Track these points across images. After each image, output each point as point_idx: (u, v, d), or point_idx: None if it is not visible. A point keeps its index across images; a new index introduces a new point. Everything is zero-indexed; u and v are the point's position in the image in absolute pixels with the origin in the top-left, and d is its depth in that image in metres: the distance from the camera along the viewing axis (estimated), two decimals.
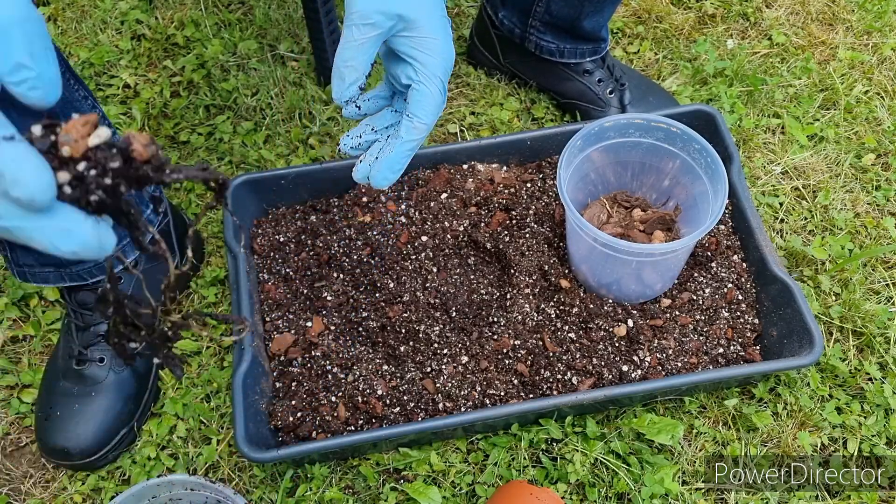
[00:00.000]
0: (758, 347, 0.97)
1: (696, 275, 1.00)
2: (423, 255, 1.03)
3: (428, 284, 1.00)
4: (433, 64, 0.67)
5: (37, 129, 0.38)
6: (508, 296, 0.98)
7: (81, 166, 0.38)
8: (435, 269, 1.02)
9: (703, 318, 0.97)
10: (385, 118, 0.75)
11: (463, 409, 0.91)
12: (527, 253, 1.00)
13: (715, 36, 1.33)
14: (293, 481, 0.94)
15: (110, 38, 1.34)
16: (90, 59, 1.31)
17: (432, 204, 1.06)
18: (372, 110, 0.75)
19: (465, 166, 1.10)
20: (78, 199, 0.38)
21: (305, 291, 1.01)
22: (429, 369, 0.94)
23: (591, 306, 0.97)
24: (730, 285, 0.99)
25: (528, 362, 0.94)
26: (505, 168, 1.11)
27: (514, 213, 1.05)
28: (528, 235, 1.02)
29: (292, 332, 0.98)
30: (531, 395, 0.93)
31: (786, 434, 0.95)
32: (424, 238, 1.04)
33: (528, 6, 1.14)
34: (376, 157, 0.72)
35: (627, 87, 1.20)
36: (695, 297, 0.98)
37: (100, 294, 0.44)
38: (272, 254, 1.04)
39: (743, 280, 1.00)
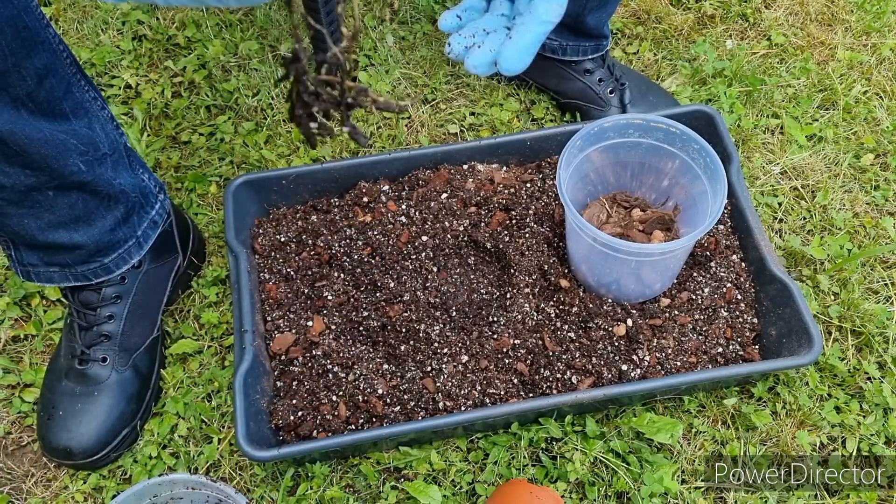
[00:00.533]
0: (757, 347, 0.97)
1: (695, 274, 1.00)
2: (423, 254, 1.03)
3: (428, 284, 1.01)
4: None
5: None
6: (508, 295, 0.98)
7: None
8: (435, 269, 1.02)
9: (702, 317, 0.98)
10: (494, 21, 0.70)
11: (463, 409, 0.91)
12: (526, 253, 1.01)
13: (714, 36, 1.34)
14: (294, 480, 0.95)
15: (112, 38, 1.35)
16: (92, 59, 1.31)
17: (432, 204, 1.06)
18: (470, 20, 0.71)
19: (465, 166, 1.11)
20: None
21: (306, 291, 1.02)
22: (429, 368, 0.94)
23: (591, 306, 0.97)
24: (729, 285, 0.99)
25: (528, 361, 0.95)
26: (505, 168, 1.11)
27: (513, 213, 1.05)
28: (527, 235, 1.02)
29: (293, 331, 0.98)
30: (531, 395, 0.93)
31: (785, 433, 0.95)
32: (424, 238, 1.04)
33: None
34: (508, 38, 0.67)
35: (628, 87, 1.20)
36: (694, 297, 0.99)
37: (292, 55, 0.41)
38: (273, 253, 1.05)
39: (742, 280, 1.00)
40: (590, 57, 1.19)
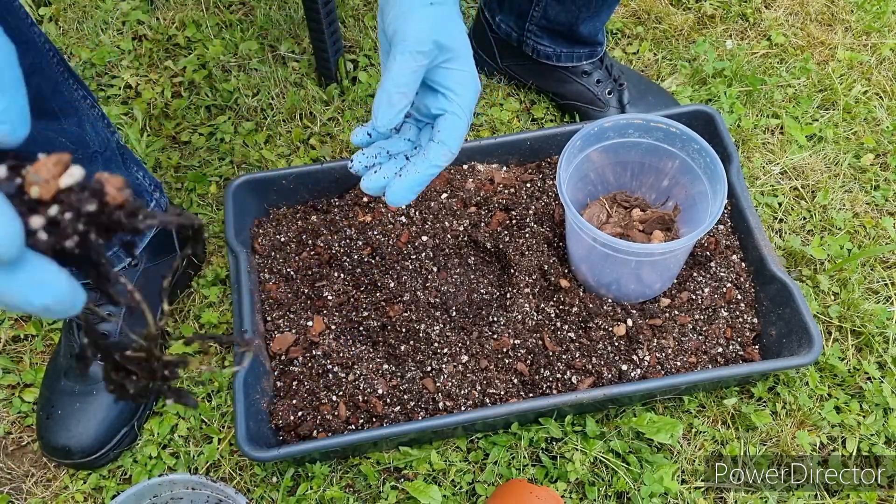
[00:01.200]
0: (757, 347, 0.97)
1: (695, 274, 1.00)
2: (423, 254, 1.03)
3: (428, 284, 1.01)
4: (467, 96, 0.68)
5: (1, 171, 0.34)
6: (508, 295, 0.98)
7: (53, 210, 0.33)
8: (435, 269, 1.02)
9: (702, 317, 0.98)
10: (399, 145, 0.73)
11: (463, 409, 0.91)
12: (527, 253, 1.01)
13: (714, 36, 1.34)
14: (294, 480, 0.95)
15: (112, 38, 1.35)
16: (91, 59, 1.31)
17: (432, 204, 1.06)
18: (380, 138, 0.74)
19: (465, 166, 1.11)
20: (51, 247, 0.33)
21: (306, 291, 1.02)
22: (429, 368, 0.94)
23: (591, 306, 0.97)
24: (729, 285, 0.99)
25: (528, 361, 0.95)
26: (505, 168, 1.11)
27: (513, 213, 1.05)
28: (527, 235, 1.02)
29: (293, 331, 0.98)
30: (531, 395, 0.93)
31: (785, 433, 0.95)
32: (425, 238, 1.04)
33: (524, 11, 1.15)
34: (398, 175, 0.70)
35: (626, 88, 1.20)
36: (694, 297, 0.99)
37: (79, 350, 0.40)
38: (273, 253, 1.05)
39: (742, 280, 1.00)
40: (585, 62, 1.19)
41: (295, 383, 0.95)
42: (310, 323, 0.99)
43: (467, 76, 0.68)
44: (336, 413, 0.92)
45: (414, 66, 0.64)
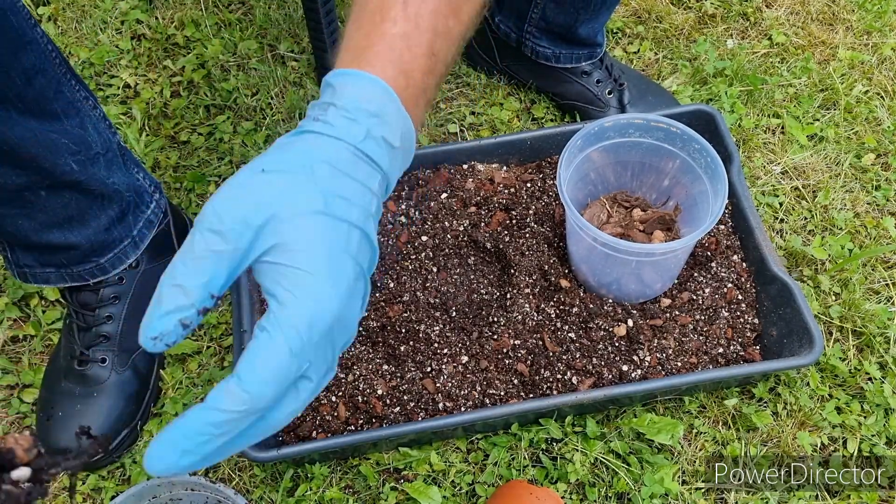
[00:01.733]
0: (757, 347, 0.97)
1: (695, 274, 1.00)
2: (423, 254, 1.03)
3: (428, 284, 1.01)
4: (293, 307, 0.44)
5: None
6: (508, 295, 0.98)
7: None
8: (435, 269, 1.02)
9: (702, 317, 0.97)
10: None
11: (463, 409, 0.91)
12: (527, 253, 1.00)
13: (715, 36, 1.34)
14: (293, 481, 0.95)
15: (110, 37, 1.34)
16: (90, 58, 1.31)
17: (432, 204, 1.06)
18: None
19: (465, 166, 1.10)
20: None
21: None
22: (429, 369, 0.94)
23: (591, 306, 0.97)
24: (729, 285, 0.99)
25: (528, 362, 0.94)
26: (505, 168, 1.11)
27: (514, 212, 1.05)
28: (528, 235, 1.02)
29: None
30: (531, 395, 0.93)
31: (785, 434, 0.95)
32: (424, 238, 1.04)
33: (523, 12, 1.14)
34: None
35: (626, 87, 1.20)
36: (695, 297, 0.98)
37: None
38: None
39: (743, 280, 1.00)
40: (584, 63, 1.19)
41: None
42: None
43: (303, 277, 0.45)
44: (335, 414, 0.92)
45: (201, 251, 0.45)
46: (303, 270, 0.45)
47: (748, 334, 0.97)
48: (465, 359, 0.94)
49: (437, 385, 0.92)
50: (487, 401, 0.92)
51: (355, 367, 0.94)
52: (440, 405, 0.91)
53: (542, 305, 0.98)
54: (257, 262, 0.47)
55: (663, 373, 0.93)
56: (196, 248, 0.45)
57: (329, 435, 0.90)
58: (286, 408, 0.46)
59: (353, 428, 0.91)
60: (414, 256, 1.03)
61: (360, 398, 0.92)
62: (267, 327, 0.44)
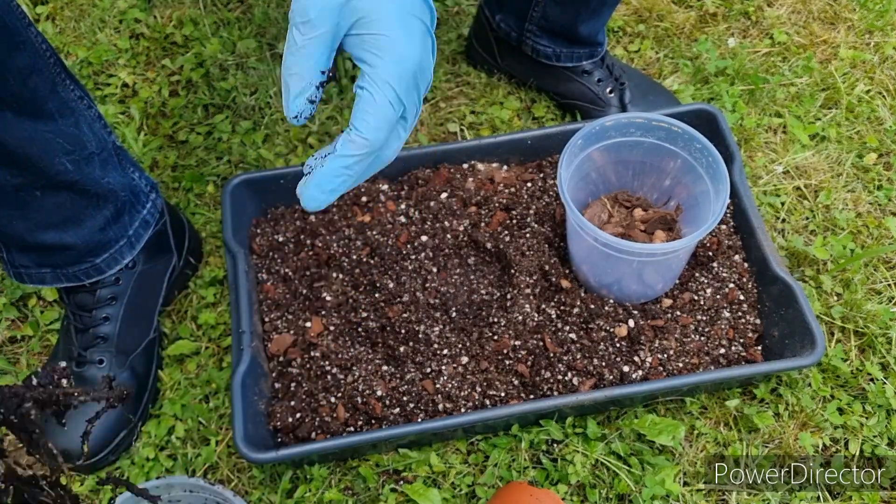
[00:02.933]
0: (759, 348, 0.96)
1: (697, 275, 1.00)
2: (422, 254, 1.02)
3: (428, 284, 1.00)
4: (383, 66, 0.55)
5: None
6: (509, 296, 0.98)
7: None
8: (435, 269, 1.02)
9: (704, 318, 0.97)
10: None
11: (463, 410, 0.91)
12: (527, 253, 1.00)
13: (716, 35, 1.33)
14: (292, 482, 0.94)
15: (108, 37, 1.34)
16: (88, 58, 1.30)
17: (432, 203, 1.06)
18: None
19: (465, 166, 1.10)
20: None
21: (304, 291, 1.01)
22: (429, 370, 0.93)
23: (592, 306, 0.96)
24: (731, 285, 0.99)
25: (529, 363, 0.94)
26: (505, 167, 1.11)
27: (514, 212, 1.04)
28: (528, 235, 1.02)
29: (291, 332, 0.97)
30: (532, 396, 0.92)
31: (787, 435, 0.95)
32: (424, 238, 1.03)
33: (524, 10, 1.14)
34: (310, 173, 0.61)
35: (627, 87, 1.19)
36: (696, 298, 0.98)
37: None
38: (271, 253, 1.04)
39: (744, 280, 0.99)
40: (585, 62, 1.19)
41: (293, 385, 0.94)
42: (308, 324, 0.98)
43: (385, 41, 0.55)
44: (335, 415, 0.91)
45: (301, 41, 0.54)
46: (383, 35, 0.55)
47: (750, 335, 0.96)
48: (465, 359, 0.94)
49: (437, 386, 0.92)
50: (487, 402, 0.91)
51: (354, 368, 0.94)
52: (440, 406, 0.91)
53: (543, 306, 0.97)
54: (346, 36, 0.56)
55: (664, 373, 0.92)
56: (296, 39, 0.55)
57: (328, 436, 0.90)
58: (393, 144, 0.59)
59: (352, 429, 0.91)
60: (413, 257, 1.02)
61: (359, 399, 0.91)
62: (365, 87, 0.55)
